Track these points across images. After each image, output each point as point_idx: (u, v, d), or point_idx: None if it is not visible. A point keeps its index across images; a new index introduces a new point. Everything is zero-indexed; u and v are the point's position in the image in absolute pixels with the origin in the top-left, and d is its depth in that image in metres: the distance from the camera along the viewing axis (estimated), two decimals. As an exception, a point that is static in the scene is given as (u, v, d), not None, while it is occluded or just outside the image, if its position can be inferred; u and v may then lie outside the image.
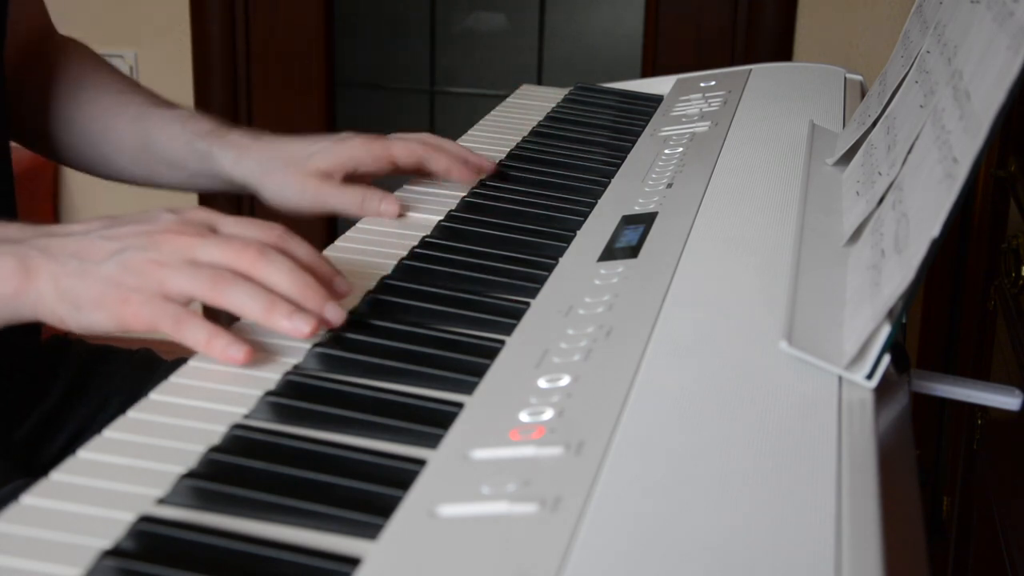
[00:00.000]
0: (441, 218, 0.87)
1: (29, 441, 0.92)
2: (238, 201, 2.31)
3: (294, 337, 0.65)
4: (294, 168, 0.87)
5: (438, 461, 0.54)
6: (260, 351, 0.66)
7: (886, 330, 0.59)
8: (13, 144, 0.96)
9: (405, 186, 0.97)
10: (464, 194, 0.93)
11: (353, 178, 0.89)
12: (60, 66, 1.01)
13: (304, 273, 0.66)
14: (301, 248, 0.69)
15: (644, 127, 1.10)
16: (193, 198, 2.24)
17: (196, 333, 0.64)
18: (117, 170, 1.01)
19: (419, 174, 0.94)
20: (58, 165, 1.07)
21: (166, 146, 0.94)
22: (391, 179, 0.94)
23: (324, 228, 2.33)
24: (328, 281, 0.69)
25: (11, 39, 0.96)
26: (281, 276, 0.65)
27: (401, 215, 0.85)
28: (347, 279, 0.70)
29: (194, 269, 0.65)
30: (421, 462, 0.55)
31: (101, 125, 0.98)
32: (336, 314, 0.66)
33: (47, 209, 2.47)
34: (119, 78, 1.02)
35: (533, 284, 0.75)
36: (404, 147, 0.89)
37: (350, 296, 0.72)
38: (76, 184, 2.48)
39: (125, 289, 0.65)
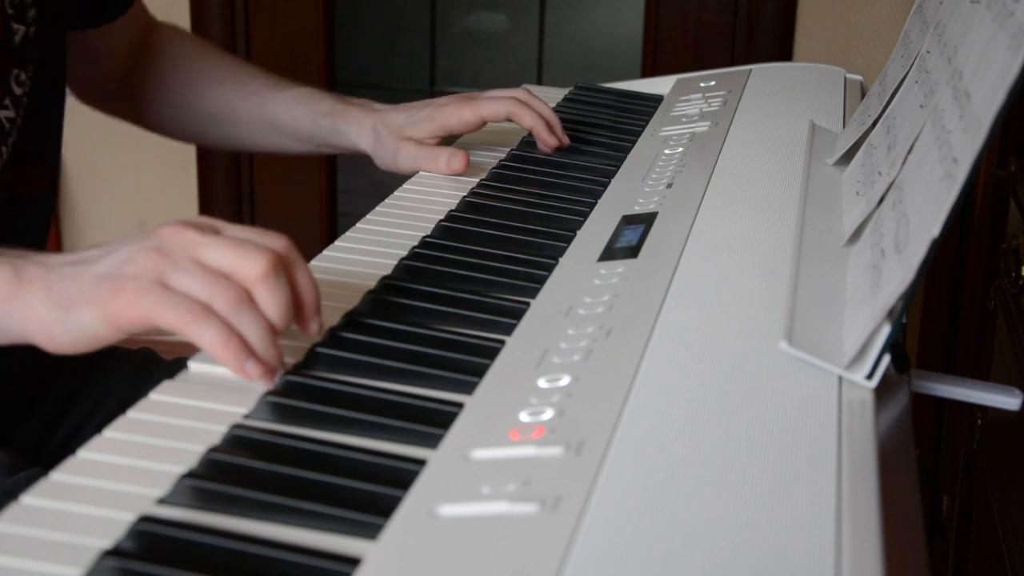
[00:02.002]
0: (441, 218, 0.87)
1: (31, 440, 0.92)
2: (238, 213, 2.32)
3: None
4: (396, 137, 1.03)
5: (438, 461, 0.54)
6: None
7: (886, 330, 0.59)
8: None
9: (405, 185, 0.97)
10: (464, 194, 0.93)
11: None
12: (171, 56, 1.13)
13: (272, 333, 0.61)
14: (301, 269, 0.64)
15: (644, 127, 1.10)
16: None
17: (209, 334, 0.59)
18: (248, 144, 1.15)
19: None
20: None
21: (292, 125, 1.08)
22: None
23: (324, 229, 2.33)
24: (310, 314, 0.64)
25: (119, 41, 1.09)
26: (273, 309, 0.61)
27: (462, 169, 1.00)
28: (322, 323, 0.65)
29: (200, 268, 0.60)
30: (421, 462, 0.55)
31: (228, 109, 1.10)
32: (269, 381, 0.61)
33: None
34: (229, 61, 1.13)
35: (533, 284, 0.75)
36: (493, 107, 1.02)
37: (350, 296, 0.72)
38: (77, 184, 2.48)
39: (121, 279, 0.59)
